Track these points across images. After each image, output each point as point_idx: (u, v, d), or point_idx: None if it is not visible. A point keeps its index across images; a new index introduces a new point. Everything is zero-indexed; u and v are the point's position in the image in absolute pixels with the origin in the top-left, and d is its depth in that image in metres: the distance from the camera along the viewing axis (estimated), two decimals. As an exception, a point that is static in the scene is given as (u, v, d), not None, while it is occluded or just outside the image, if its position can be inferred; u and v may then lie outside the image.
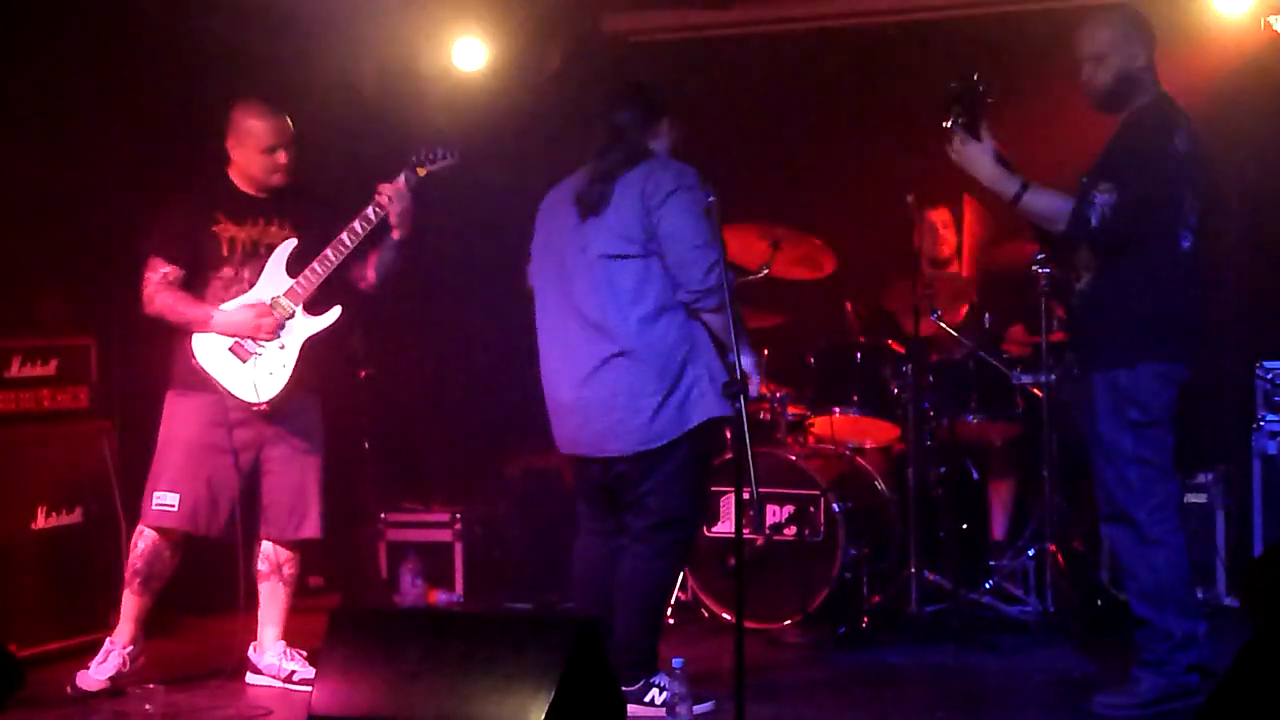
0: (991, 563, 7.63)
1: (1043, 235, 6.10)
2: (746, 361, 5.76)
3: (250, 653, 6.48)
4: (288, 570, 6.45)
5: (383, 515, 8.45)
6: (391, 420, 8.80)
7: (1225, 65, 7.87)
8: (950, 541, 7.49)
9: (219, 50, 7.74)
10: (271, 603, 6.45)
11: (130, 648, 6.28)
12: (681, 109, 8.68)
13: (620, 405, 5.80)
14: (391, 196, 6.27)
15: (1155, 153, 5.66)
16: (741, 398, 5.17)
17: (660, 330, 5.78)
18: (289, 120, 6.35)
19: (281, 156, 6.30)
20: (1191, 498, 7.42)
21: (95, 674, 6.19)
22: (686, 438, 5.81)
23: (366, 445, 8.51)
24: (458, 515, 8.38)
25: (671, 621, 7.39)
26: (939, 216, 8.23)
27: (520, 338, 9.20)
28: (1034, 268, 7.17)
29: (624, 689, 5.43)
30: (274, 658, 6.40)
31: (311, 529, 6.41)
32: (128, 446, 7.06)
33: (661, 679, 5.83)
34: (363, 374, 8.51)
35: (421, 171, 6.37)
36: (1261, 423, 7.52)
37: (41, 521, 6.78)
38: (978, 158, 5.72)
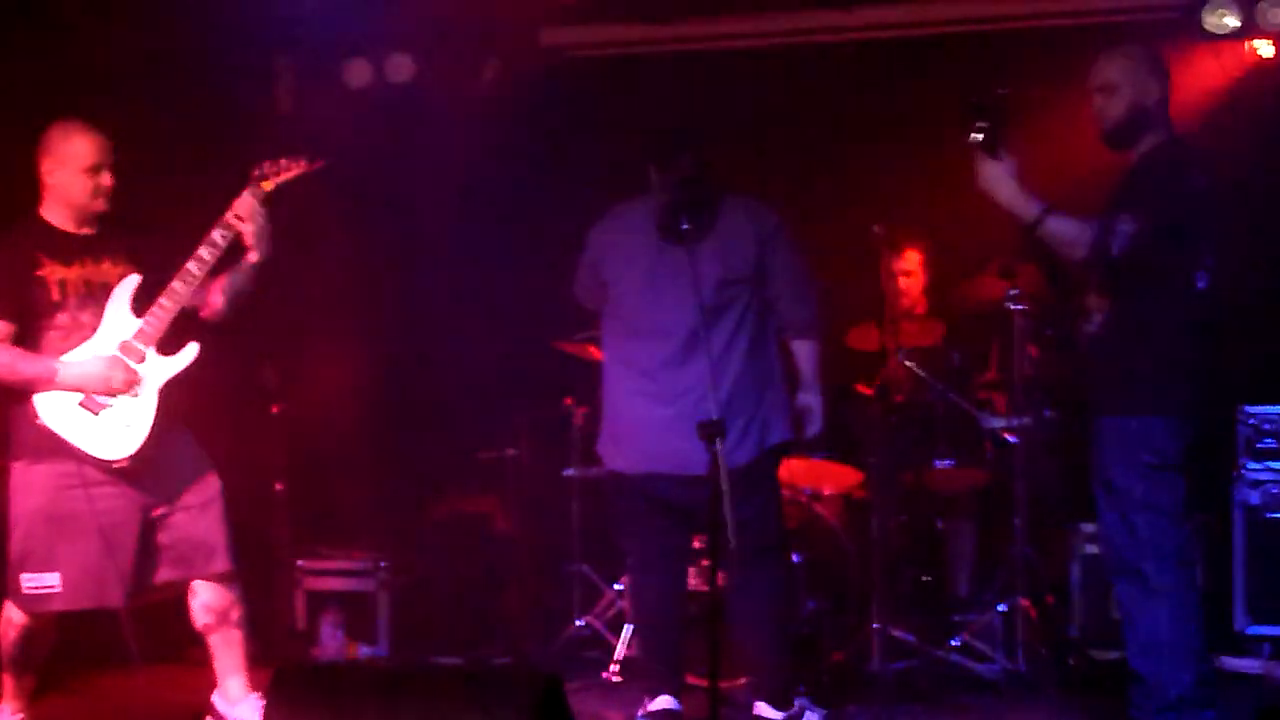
0: (958, 617, 7.63)
1: (1051, 274, 6.12)
2: (816, 399, 6.48)
3: (215, 697, 6.26)
4: (235, 614, 6.19)
5: (299, 563, 8.30)
6: (307, 459, 8.68)
7: (1213, 89, 7.99)
8: (914, 595, 7.49)
9: (123, 61, 7.70)
10: (229, 651, 6.20)
11: (21, 715, 6.15)
12: (617, 127, 8.83)
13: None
14: (243, 216, 6.04)
15: (1173, 185, 5.70)
16: (717, 440, 5.40)
17: (757, 354, 6.32)
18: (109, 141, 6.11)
19: (105, 178, 6.04)
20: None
21: None
22: (765, 457, 6.35)
23: (279, 486, 8.40)
24: (381, 563, 8.25)
25: (618, 680, 7.39)
26: (902, 264, 8.23)
27: (447, 372, 9.27)
28: (1008, 304, 7.22)
29: (782, 714, 6.32)
30: (248, 712, 6.15)
31: (221, 562, 6.13)
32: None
33: (806, 701, 6.49)
34: (275, 409, 8.41)
35: (268, 185, 6.13)
36: (1243, 471, 7.58)
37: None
38: (998, 178, 5.72)
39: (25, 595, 5.96)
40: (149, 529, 6.02)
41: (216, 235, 6.02)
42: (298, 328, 8.92)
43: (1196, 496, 5.85)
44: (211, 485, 6.18)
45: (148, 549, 6.02)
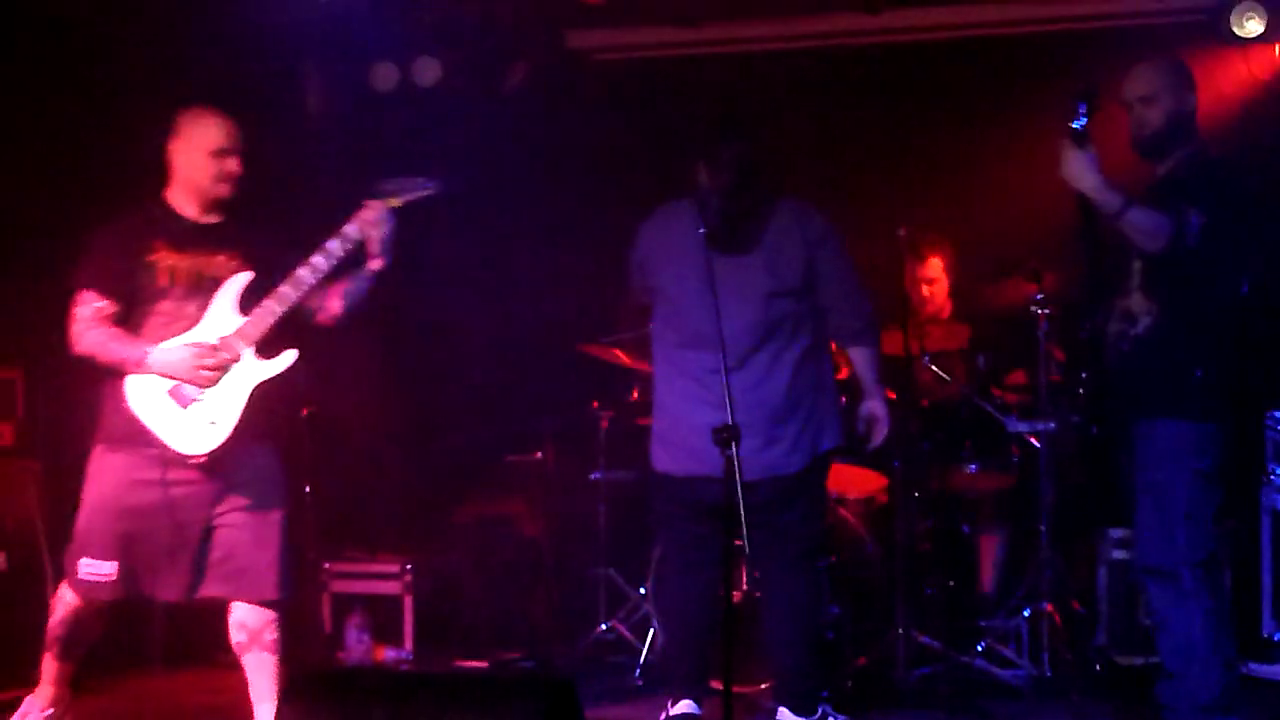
0: (983, 623, 7.59)
1: (1095, 274, 6.09)
2: (882, 406, 6.44)
3: None
4: (269, 636, 5.97)
5: (326, 565, 8.29)
6: (335, 462, 8.67)
7: (1241, 92, 7.94)
8: (938, 600, 7.45)
9: (152, 67, 7.70)
10: (261, 676, 5.99)
11: (51, 710, 6.06)
12: (644, 130, 8.82)
13: (765, 430, 6.18)
14: (374, 221, 5.96)
15: (1223, 187, 5.77)
16: (733, 445, 5.39)
17: (810, 362, 6.33)
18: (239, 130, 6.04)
19: (231, 163, 5.95)
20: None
21: None
22: (817, 464, 6.37)
23: (307, 489, 8.40)
24: (407, 566, 8.24)
25: (640, 684, 7.37)
26: (926, 271, 8.15)
27: (473, 375, 9.27)
28: (1033, 308, 7.18)
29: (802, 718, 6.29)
30: None
31: (269, 590, 5.93)
32: (56, 489, 6.86)
33: (829, 707, 6.41)
34: (305, 412, 8.41)
35: (396, 202, 6.02)
36: (1272, 476, 7.52)
37: (-39, 568, 6.62)
38: (1085, 168, 5.69)
39: (80, 580, 5.88)
40: (208, 535, 5.89)
41: (334, 245, 5.93)
42: (326, 330, 8.91)
43: (1226, 501, 5.85)
44: (279, 509, 6.02)
45: (203, 554, 5.89)
